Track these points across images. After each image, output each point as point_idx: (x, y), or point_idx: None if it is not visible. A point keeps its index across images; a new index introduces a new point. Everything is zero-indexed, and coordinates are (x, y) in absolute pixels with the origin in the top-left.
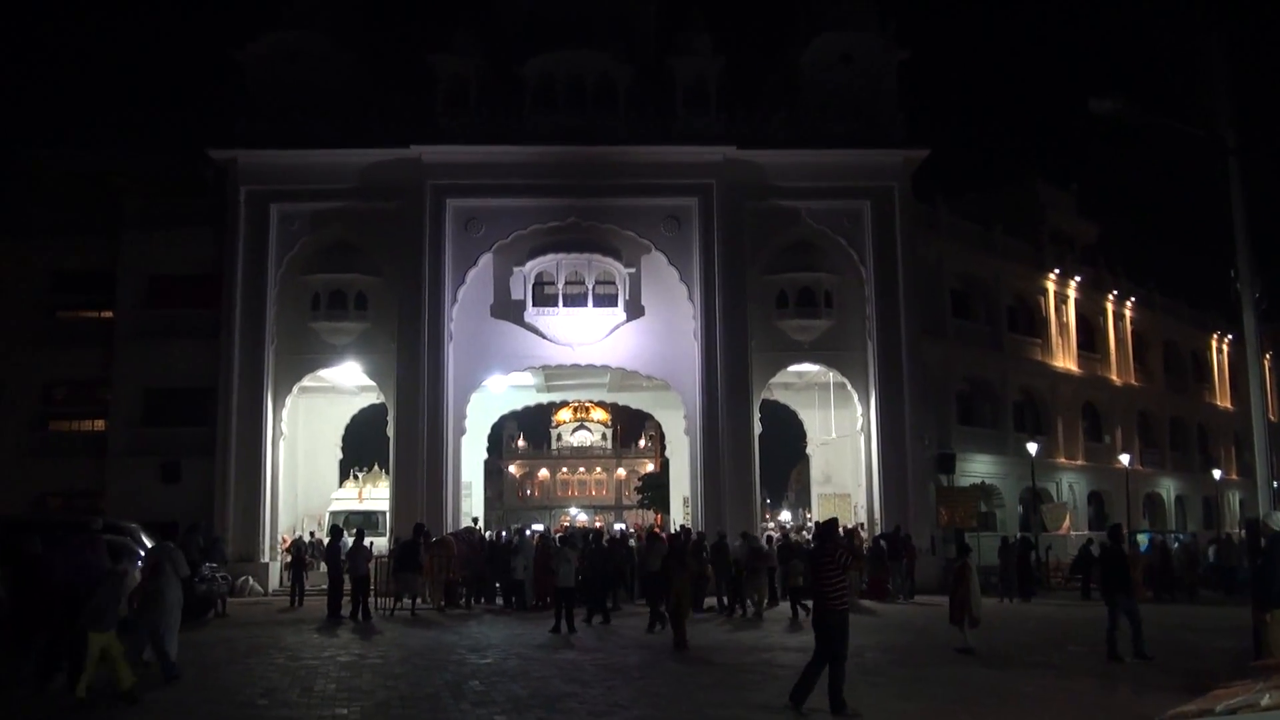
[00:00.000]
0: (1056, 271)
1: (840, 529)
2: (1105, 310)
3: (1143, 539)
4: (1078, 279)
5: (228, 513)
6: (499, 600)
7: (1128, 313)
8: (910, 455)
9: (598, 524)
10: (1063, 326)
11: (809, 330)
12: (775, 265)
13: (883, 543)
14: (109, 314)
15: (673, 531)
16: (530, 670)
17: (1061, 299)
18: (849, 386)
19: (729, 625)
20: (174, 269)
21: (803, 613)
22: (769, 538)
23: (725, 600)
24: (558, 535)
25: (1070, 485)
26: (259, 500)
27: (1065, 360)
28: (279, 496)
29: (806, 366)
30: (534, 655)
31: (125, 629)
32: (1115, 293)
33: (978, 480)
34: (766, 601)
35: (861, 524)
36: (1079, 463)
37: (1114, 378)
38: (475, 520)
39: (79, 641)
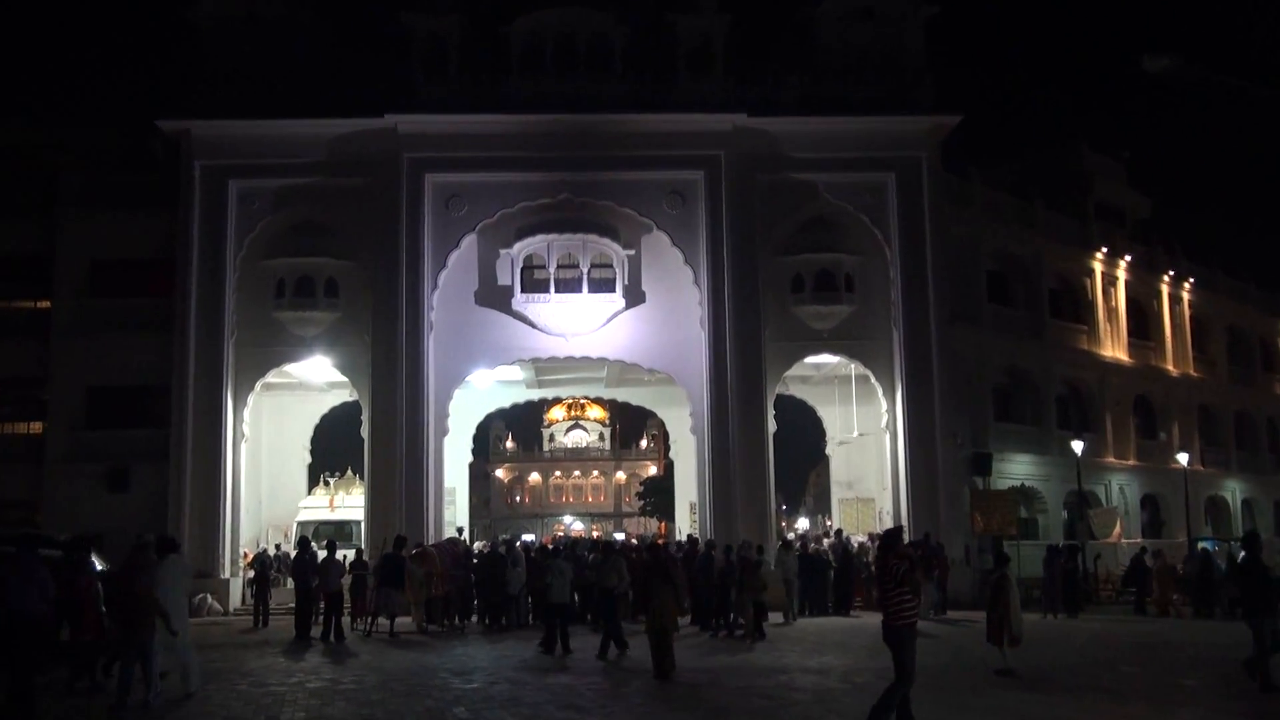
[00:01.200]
0: (1105, 250)
1: (904, 538)
2: (1160, 292)
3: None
4: (1129, 258)
5: (183, 524)
6: (474, 619)
7: (1185, 295)
8: (941, 455)
9: (595, 533)
10: (1112, 311)
11: (828, 317)
12: (790, 245)
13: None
14: (45, 304)
15: (675, 539)
16: (521, 696)
17: (1110, 280)
18: (873, 379)
19: (726, 645)
20: (119, 253)
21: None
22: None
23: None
24: (537, 545)
25: (1121, 488)
26: (218, 510)
27: (1115, 349)
28: (241, 505)
29: (825, 358)
30: (525, 679)
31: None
32: (1171, 273)
33: (1017, 483)
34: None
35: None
36: (1130, 463)
37: (1170, 368)
38: (460, 530)
39: (23, 674)
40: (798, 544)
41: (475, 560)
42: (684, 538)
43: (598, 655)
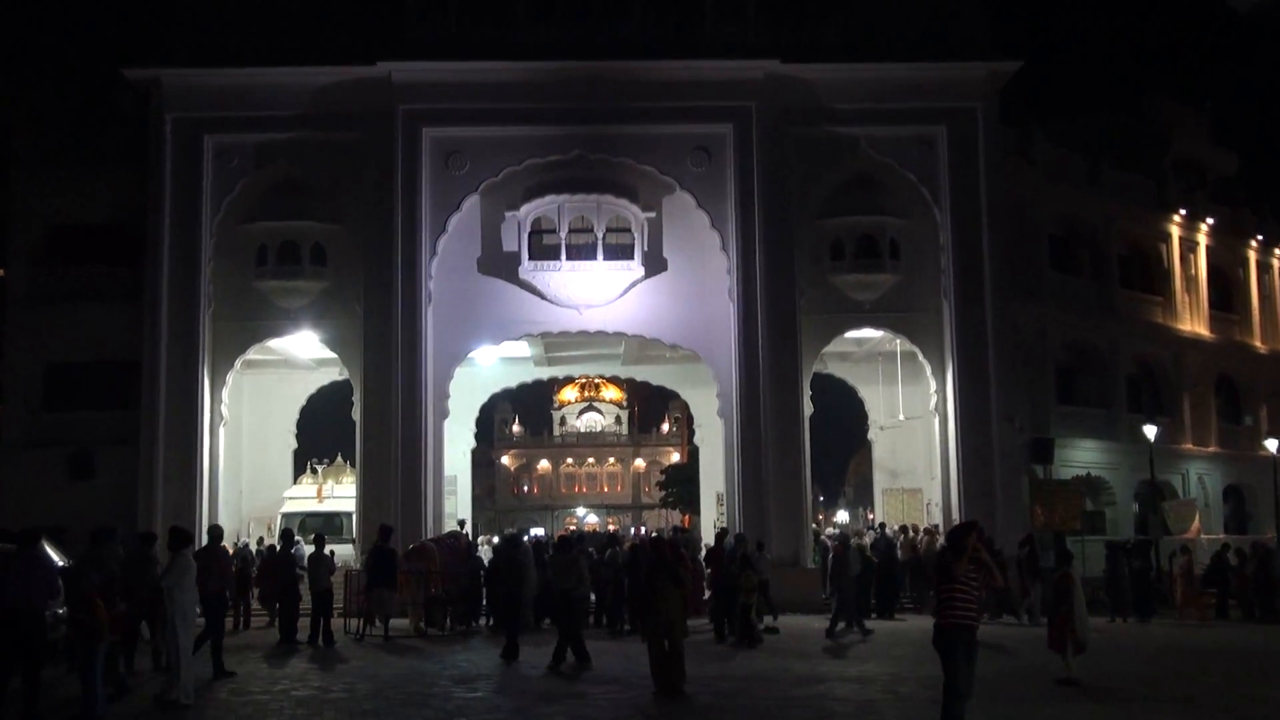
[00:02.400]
0: (1183, 212)
1: (977, 533)
2: (1246, 260)
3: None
4: (1210, 221)
5: (155, 515)
6: (481, 621)
7: (1276, 263)
8: (997, 441)
9: (611, 527)
10: (1190, 280)
11: (871, 287)
12: (829, 207)
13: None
14: None
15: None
16: (529, 707)
17: (1189, 246)
18: (920, 356)
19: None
20: (81, 217)
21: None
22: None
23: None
24: (554, 540)
25: (1200, 478)
26: (194, 500)
27: (1193, 323)
28: (219, 495)
29: (868, 332)
30: (534, 688)
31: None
32: (1260, 238)
33: (1082, 472)
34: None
35: (934, 526)
36: (1211, 450)
37: (1257, 344)
38: (461, 523)
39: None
40: (835, 538)
41: (494, 552)
42: (715, 530)
43: (549, 666)
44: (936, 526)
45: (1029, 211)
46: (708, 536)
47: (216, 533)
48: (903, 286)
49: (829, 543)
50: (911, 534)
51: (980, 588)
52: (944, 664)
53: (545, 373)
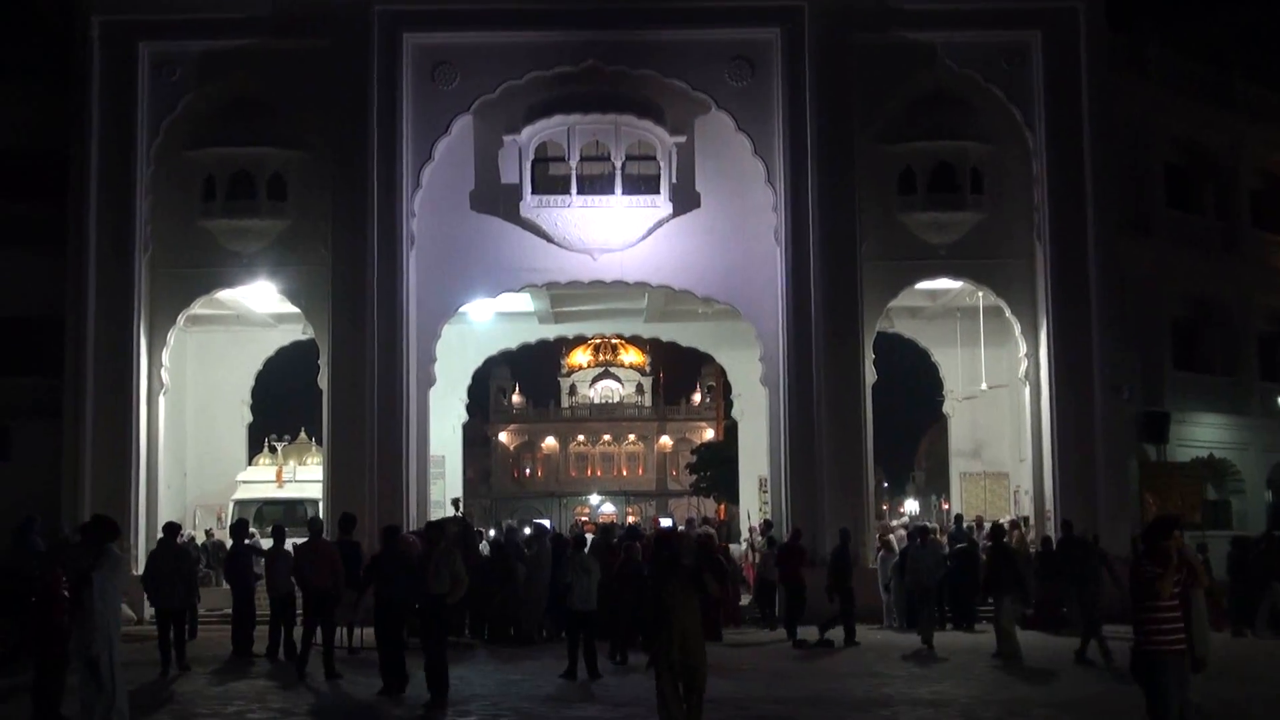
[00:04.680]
0: None
1: (1176, 531)
2: None
3: None
4: None
5: (83, 501)
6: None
7: None
8: (1100, 416)
9: (630, 518)
10: None
11: (948, 227)
12: (898, 130)
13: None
14: None
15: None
16: None
17: None
18: (1008, 312)
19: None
20: None
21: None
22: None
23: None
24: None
25: None
26: (129, 484)
27: None
28: (159, 478)
29: (944, 282)
30: (538, 712)
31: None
32: None
33: (1203, 452)
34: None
35: (1024, 518)
36: None
37: None
38: (456, 503)
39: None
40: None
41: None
42: (758, 523)
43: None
44: (1025, 519)
45: (1142, 135)
46: (738, 532)
47: (317, 526)
48: (987, 227)
49: (895, 541)
50: (1008, 529)
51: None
52: (1149, 696)
53: (552, 332)
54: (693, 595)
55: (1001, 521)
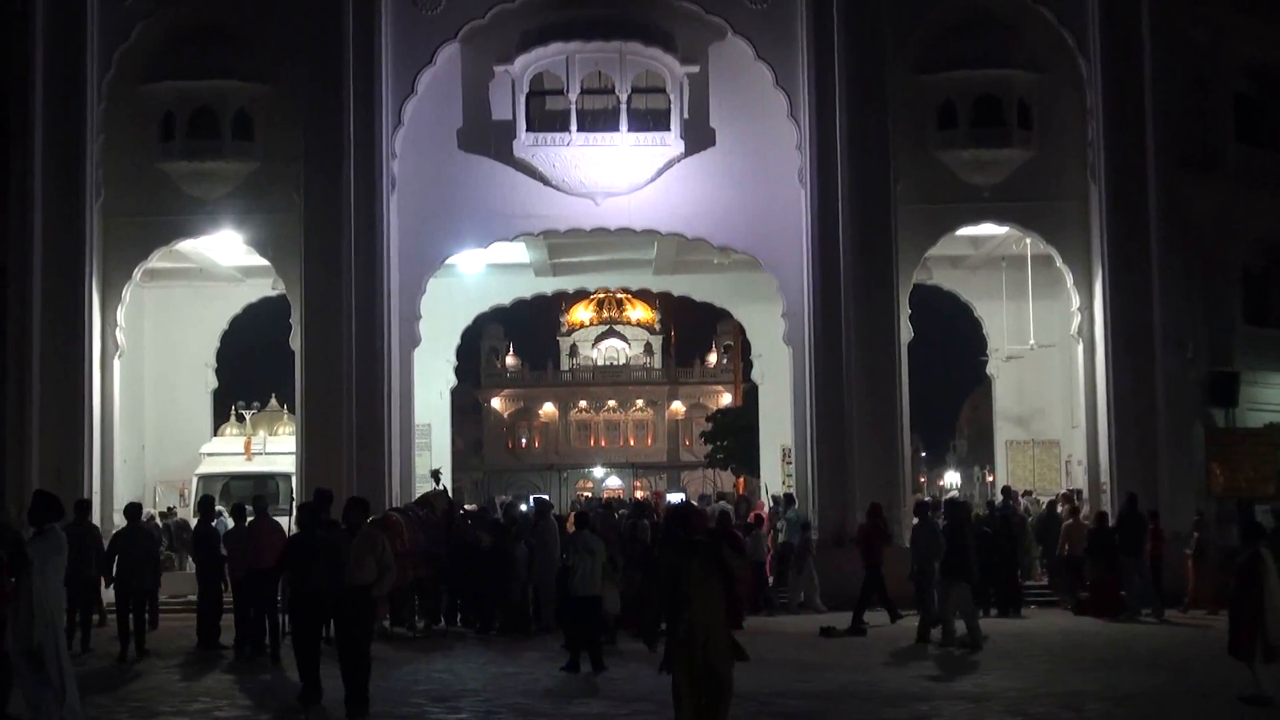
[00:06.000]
0: None
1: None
2: None
3: None
4: None
5: (27, 478)
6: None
7: None
8: (1162, 377)
9: (638, 493)
10: None
11: (992, 166)
12: (935, 58)
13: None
14: None
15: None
16: None
17: None
18: (1059, 261)
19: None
20: None
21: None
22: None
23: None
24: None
25: None
26: (80, 457)
27: None
28: (115, 451)
29: (988, 229)
30: (537, 708)
31: None
32: None
33: (1277, 417)
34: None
35: (1077, 491)
36: None
37: None
38: (437, 476)
39: None
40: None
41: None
42: (778, 496)
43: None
44: (1079, 492)
45: (1208, 62)
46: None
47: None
48: (1035, 166)
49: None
50: (1061, 505)
51: None
52: None
53: (550, 285)
54: (715, 580)
55: (992, 498)
